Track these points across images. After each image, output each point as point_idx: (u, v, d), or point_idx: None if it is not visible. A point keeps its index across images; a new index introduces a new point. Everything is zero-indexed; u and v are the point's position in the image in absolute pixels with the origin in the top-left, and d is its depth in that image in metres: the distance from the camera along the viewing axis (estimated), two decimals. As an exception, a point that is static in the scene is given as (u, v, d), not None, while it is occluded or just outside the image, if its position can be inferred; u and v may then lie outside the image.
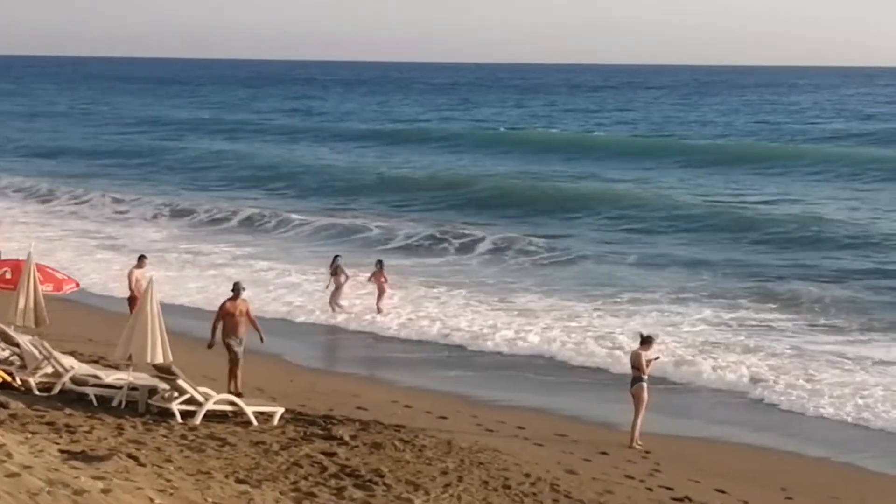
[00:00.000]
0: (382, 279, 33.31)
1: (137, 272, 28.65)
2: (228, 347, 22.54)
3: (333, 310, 32.85)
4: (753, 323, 31.75)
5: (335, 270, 33.50)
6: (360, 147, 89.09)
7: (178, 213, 55.69)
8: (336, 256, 34.73)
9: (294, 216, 53.19)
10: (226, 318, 22.70)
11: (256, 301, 33.30)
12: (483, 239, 46.12)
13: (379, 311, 32.62)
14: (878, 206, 54.98)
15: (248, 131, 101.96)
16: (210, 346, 22.82)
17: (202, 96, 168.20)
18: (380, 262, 34.07)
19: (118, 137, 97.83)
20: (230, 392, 21.56)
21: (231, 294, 23.01)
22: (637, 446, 21.03)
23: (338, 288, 33.22)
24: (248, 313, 22.82)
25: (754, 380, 25.92)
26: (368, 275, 34.05)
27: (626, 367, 25.77)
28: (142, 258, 29.85)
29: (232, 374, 22.45)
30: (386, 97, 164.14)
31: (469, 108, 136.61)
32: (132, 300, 27.79)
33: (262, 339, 23.06)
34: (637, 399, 21.31)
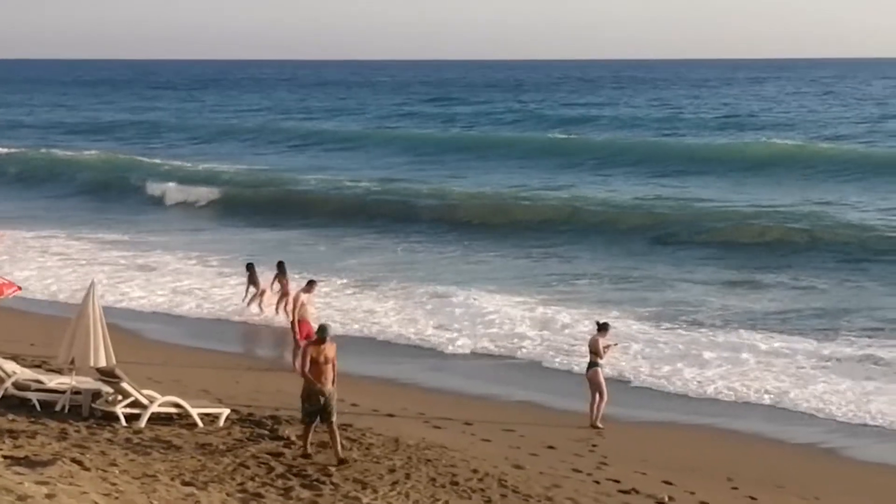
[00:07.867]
0: (285, 281, 30.97)
1: (304, 297, 26.55)
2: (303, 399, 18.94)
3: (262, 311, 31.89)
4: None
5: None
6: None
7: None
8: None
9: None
10: (310, 365, 18.81)
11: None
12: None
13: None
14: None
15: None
16: (320, 394, 18.85)
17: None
18: (281, 264, 31.47)
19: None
20: (336, 457, 18.26)
21: (315, 337, 19.80)
22: (598, 426, 21.88)
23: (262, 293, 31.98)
24: (333, 360, 18.92)
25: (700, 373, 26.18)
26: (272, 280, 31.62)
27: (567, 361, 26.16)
28: (311, 283, 27.29)
29: (306, 433, 18.82)
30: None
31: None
32: (294, 325, 26.25)
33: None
34: (594, 383, 22.16)
